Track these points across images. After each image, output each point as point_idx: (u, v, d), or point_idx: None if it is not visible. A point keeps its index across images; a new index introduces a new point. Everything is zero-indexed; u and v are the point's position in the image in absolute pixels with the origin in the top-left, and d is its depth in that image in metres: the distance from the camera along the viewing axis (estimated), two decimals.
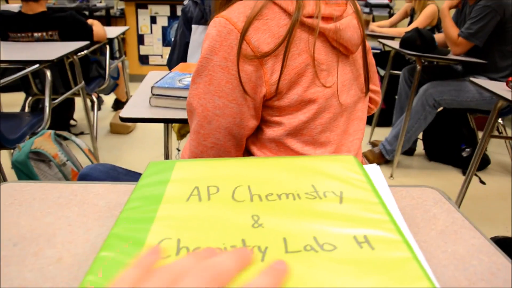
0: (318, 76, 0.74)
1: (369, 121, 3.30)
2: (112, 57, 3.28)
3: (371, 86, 1.01)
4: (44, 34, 2.35)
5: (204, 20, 1.77)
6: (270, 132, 0.78)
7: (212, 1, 0.85)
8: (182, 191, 0.47)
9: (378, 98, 1.05)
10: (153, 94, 1.15)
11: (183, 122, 1.05)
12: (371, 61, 0.97)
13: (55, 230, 0.52)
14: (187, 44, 1.85)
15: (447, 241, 0.52)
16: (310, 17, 0.73)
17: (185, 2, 1.84)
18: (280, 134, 0.77)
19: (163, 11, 4.40)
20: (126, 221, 0.43)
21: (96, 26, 2.60)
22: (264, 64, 0.71)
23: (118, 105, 3.55)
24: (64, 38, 2.38)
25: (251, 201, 0.45)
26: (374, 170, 0.57)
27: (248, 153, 0.83)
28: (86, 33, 2.46)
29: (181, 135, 1.81)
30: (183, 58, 1.88)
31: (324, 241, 0.38)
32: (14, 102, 3.39)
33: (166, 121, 1.12)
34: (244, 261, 0.33)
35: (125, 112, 1.10)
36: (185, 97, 1.11)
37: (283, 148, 0.78)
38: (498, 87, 1.70)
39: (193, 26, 1.79)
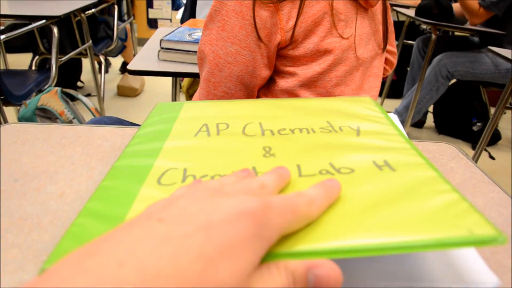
0: (335, 25, 0.71)
1: (379, 92, 3.25)
2: (121, 19, 3.22)
3: (389, 47, 0.97)
4: None
5: None
6: (283, 83, 0.75)
7: None
8: (190, 128, 0.45)
9: (394, 59, 1.02)
10: (162, 48, 1.11)
11: (192, 76, 1.02)
12: (389, 19, 0.93)
13: (58, 168, 0.50)
14: (194, 2, 1.80)
15: (466, 194, 0.50)
16: None
17: None
18: (294, 85, 0.74)
19: None
20: (130, 155, 0.40)
21: None
22: (280, 10, 0.68)
23: (126, 68, 3.51)
24: None
25: (263, 135, 0.42)
26: (392, 118, 0.54)
27: None
28: None
29: (189, 95, 1.78)
30: (192, 16, 1.83)
31: (340, 165, 0.36)
32: (21, 62, 3.37)
33: (175, 75, 1.09)
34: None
35: (133, 65, 1.07)
36: (195, 51, 1.08)
37: None
38: None
39: None
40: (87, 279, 0.17)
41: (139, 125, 1.05)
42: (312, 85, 0.74)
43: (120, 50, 3.16)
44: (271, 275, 0.22)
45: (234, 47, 0.70)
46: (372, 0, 0.76)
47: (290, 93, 0.75)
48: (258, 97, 0.79)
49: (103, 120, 0.99)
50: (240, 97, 0.75)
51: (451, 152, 0.61)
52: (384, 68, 1.02)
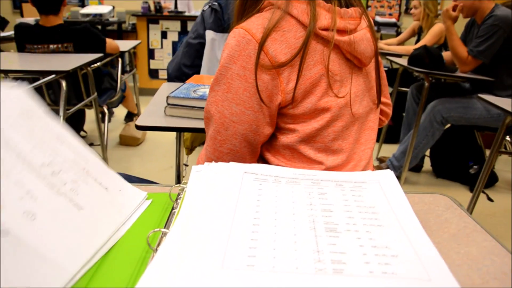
0: (331, 86, 0.77)
1: (376, 137, 3.32)
2: (123, 71, 3.33)
3: (383, 99, 1.03)
4: (60, 46, 2.40)
5: (222, 28, 1.79)
6: (284, 138, 0.80)
7: (232, 12, 0.88)
8: None
9: (389, 111, 1.08)
10: (169, 104, 1.17)
11: (197, 131, 1.07)
12: (382, 74, 0.99)
13: None
14: (199, 44, 1.86)
15: (460, 243, 0.54)
16: (326, 29, 0.75)
17: (205, 8, 1.87)
18: (294, 141, 0.79)
19: (174, 26, 4.47)
20: None
21: (109, 40, 2.66)
22: (280, 74, 0.74)
23: (131, 117, 3.60)
24: (78, 50, 2.43)
25: None
26: (388, 175, 0.59)
27: (262, 159, 0.85)
28: (99, 45, 2.51)
29: (190, 150, 1.82)
30: (192, 56, 1.88)
31: None
32: None
33: (181, 130, 1.14)
34: None
35: (140, 121, 1.13)
36: (200, 107, 1.14)
37: (296, 154, 0.80)
38: (506, 103, 1.72)
39: (207, 32, 1.81)
40: None
41: (146, 180, 1.09)
42: (312, 140, 0.79)
43: (120, 101, 3.25)
44: None
45: (239, 107, 0.75)
46: (365, 60, 0.82)
47: (291, 148, 0.80)
48: (261, 152, 0.84)
49: None
50: (244, 153, 0.80)
51: (445, 203, 0.65)
52: (380, 119, 1.07)
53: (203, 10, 1.87)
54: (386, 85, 1.04)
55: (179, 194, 0.57)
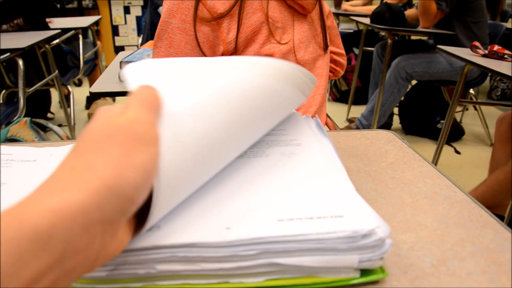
0: (272, 33, 0.76)
1: (345, 99, 3.35)
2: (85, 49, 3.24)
3: (335, 49, 1.03)
4: (11, 24, 2.32)
5: None
6: None
7: None
8: None
9: (344, 61, 1.08)
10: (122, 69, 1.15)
11: None
12: (332, 24, 0.99)
13: None
14: (153, 25, 1.84)
15: (396, 170, 0.55)
16: None
17: None
18: None
19: (136, 0, 4.36)
20: None
21: None
22: (220, 24, 0.73)
23: (91, 102, 3.41)
24: (28, 21, 2.35)
25: None
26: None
27: None
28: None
29: None
30: (151, 38, 1.87)
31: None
32: None
33: None
34: None
35: (95, 87, 1.11)
36: None
37: None
38: (464, 52, 1.75)
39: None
40: None
41: None
42: None
43: (92, 69, 3.17)
44: None
45: None
46: (308, 6, 0.82)
47: None
48: None
49: None
50: None
51: (387, 138, 0.67)
52: (335, 69, 1.08)
53: None
54: (338, 34, 1.04)
55: None
